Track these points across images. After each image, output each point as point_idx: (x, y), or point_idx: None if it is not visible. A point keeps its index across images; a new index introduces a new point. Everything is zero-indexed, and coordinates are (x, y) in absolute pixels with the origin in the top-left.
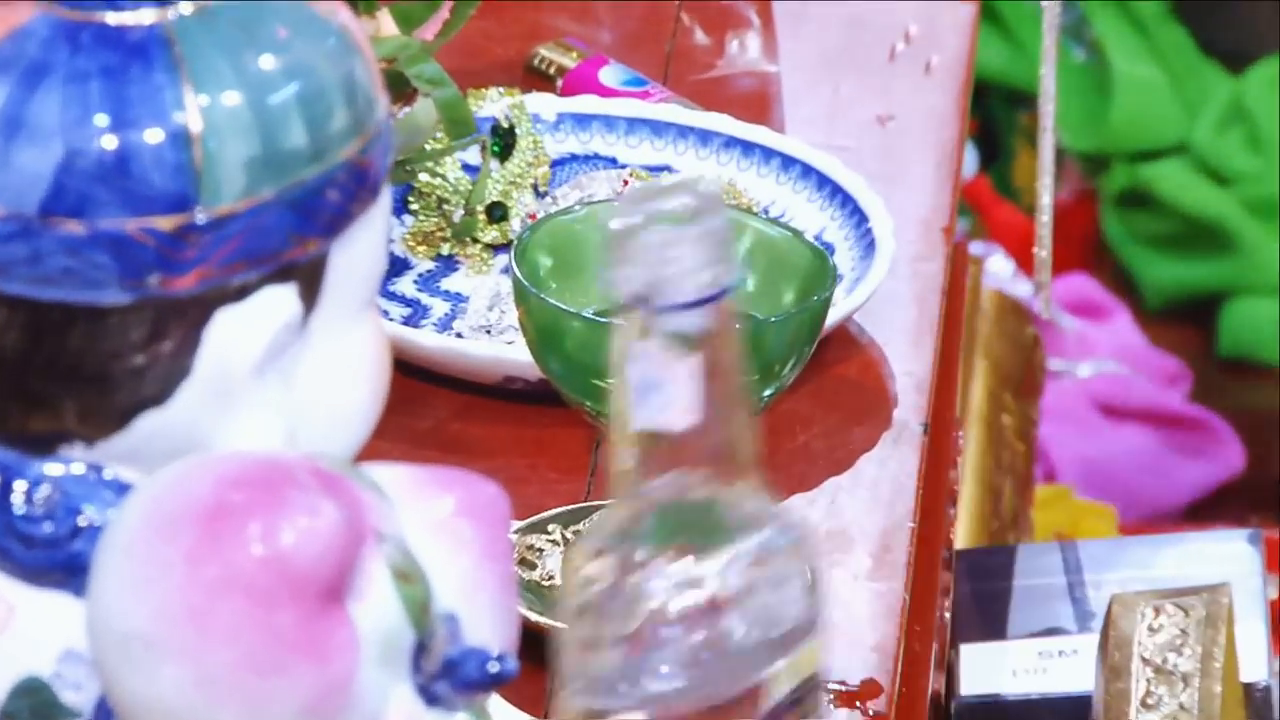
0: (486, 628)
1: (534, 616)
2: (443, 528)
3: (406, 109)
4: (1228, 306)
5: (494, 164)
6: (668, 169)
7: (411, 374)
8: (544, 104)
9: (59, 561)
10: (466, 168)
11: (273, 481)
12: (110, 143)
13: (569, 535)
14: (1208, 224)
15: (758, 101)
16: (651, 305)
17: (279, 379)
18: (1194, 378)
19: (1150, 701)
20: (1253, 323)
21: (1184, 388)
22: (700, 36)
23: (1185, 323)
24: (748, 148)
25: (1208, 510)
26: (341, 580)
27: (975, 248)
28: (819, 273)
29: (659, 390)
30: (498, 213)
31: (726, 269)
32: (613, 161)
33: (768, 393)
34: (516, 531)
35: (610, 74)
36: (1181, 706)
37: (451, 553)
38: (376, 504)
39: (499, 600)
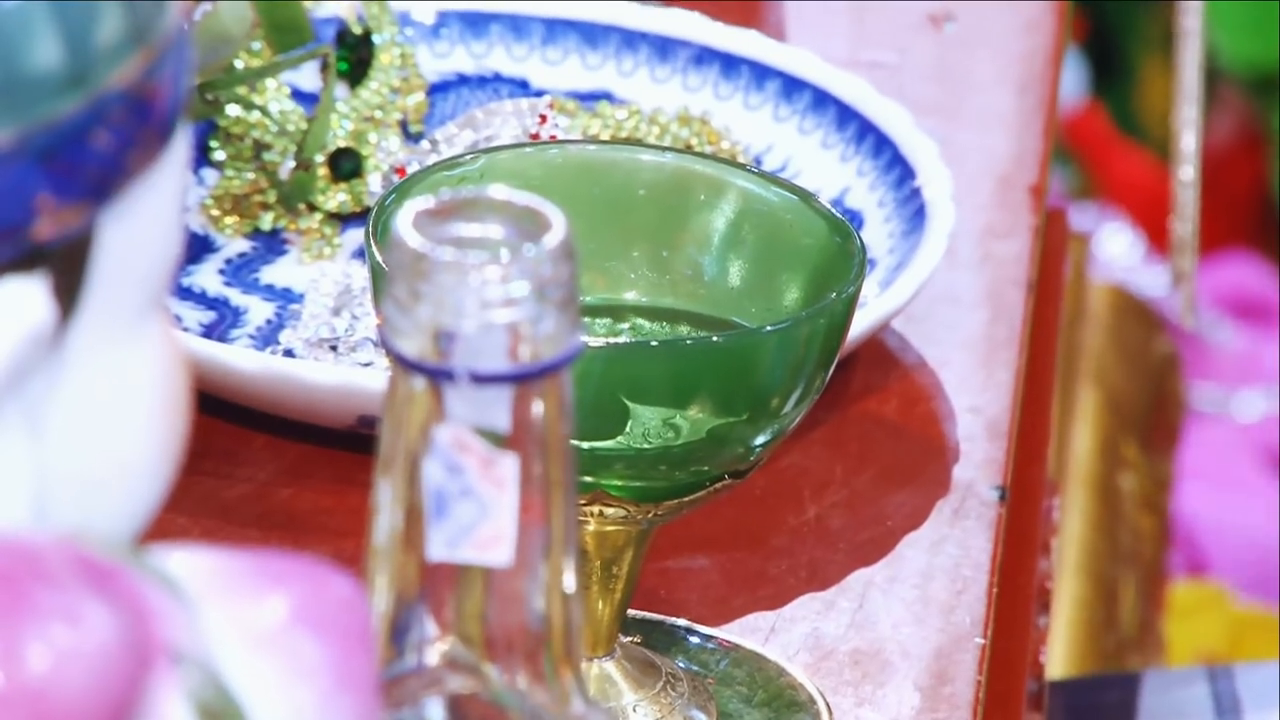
0: None
1: None
2: (272, 643)
3: (206, 6)
4: None
5: (340, 91)
6: (607, 97)
7: (219, 413)
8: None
9: None
10: (299, 96)
11: (12, 576)
12: None
13: None
14: None
15: None
16: (441, 371)
17: (21, 419)
18: None
19: None
20: None
21: None
22: None
23: None
24: (730, 64)
25: None
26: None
27: (1081, 217)
28: (839, 257)
29: (462, 503)
30: (347, 165)
31: (557, 335)
32: (523, 86)
33: (761, 440)
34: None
35: None
36: None
37: (285, 680)
38: (171, 608)
39: None
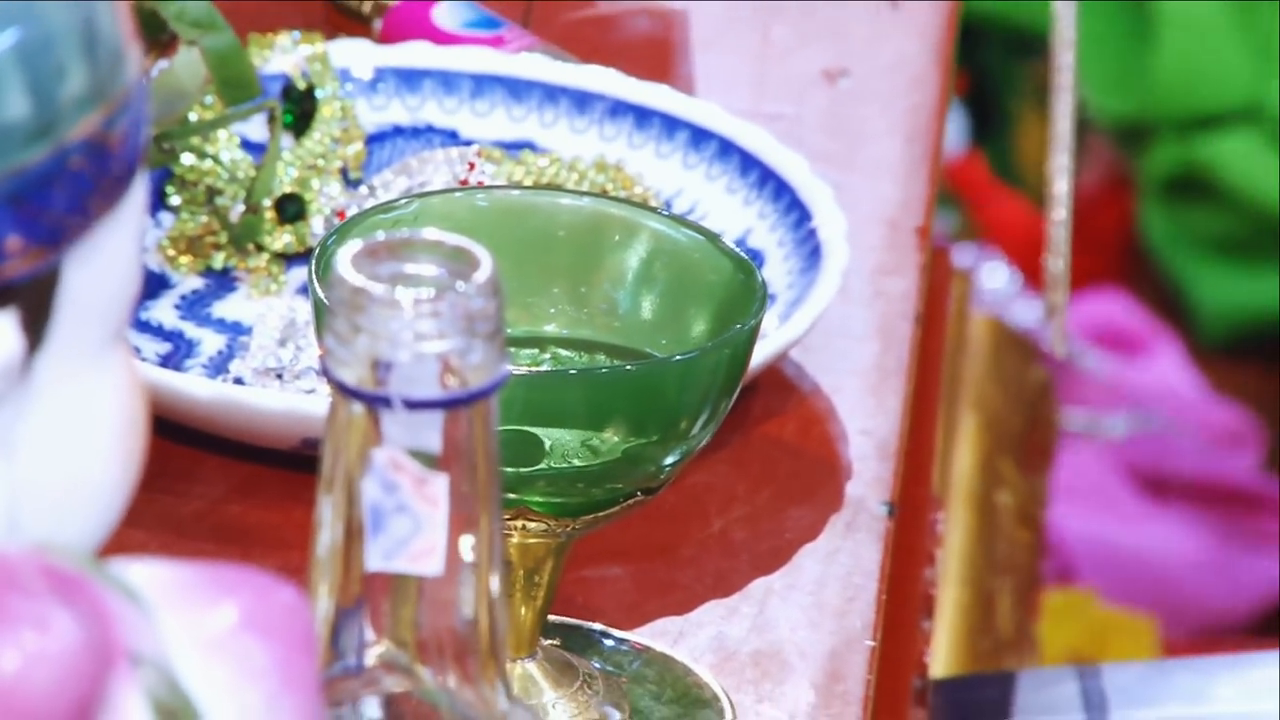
0: None
1: None
2: (223, 647)
3: (164, 63)
4: None
5: (286, 141)
6: (530, 146)
7: (174, 436)
8: (356, 55)
9: None
10: (247, 146)
11: None
12: None
13: None
14: None
15: (656, 50)
16: (378, 398)
17: None
18: (1268, 438)
19: None
20: None
21: (1253, 452)
22: None
23: (1256, 361)
24: (643, 116)
25: None
26: (82, 718)
27: (962, 255)
28: (742, 292)
29: (397, 519)
30: (292, 209)
31: (485, 364)
32: (453, 136)
33: (670, 460)
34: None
35: (449, 12)
36: None
37: (235, 681)
38: (130, 615)
39: None
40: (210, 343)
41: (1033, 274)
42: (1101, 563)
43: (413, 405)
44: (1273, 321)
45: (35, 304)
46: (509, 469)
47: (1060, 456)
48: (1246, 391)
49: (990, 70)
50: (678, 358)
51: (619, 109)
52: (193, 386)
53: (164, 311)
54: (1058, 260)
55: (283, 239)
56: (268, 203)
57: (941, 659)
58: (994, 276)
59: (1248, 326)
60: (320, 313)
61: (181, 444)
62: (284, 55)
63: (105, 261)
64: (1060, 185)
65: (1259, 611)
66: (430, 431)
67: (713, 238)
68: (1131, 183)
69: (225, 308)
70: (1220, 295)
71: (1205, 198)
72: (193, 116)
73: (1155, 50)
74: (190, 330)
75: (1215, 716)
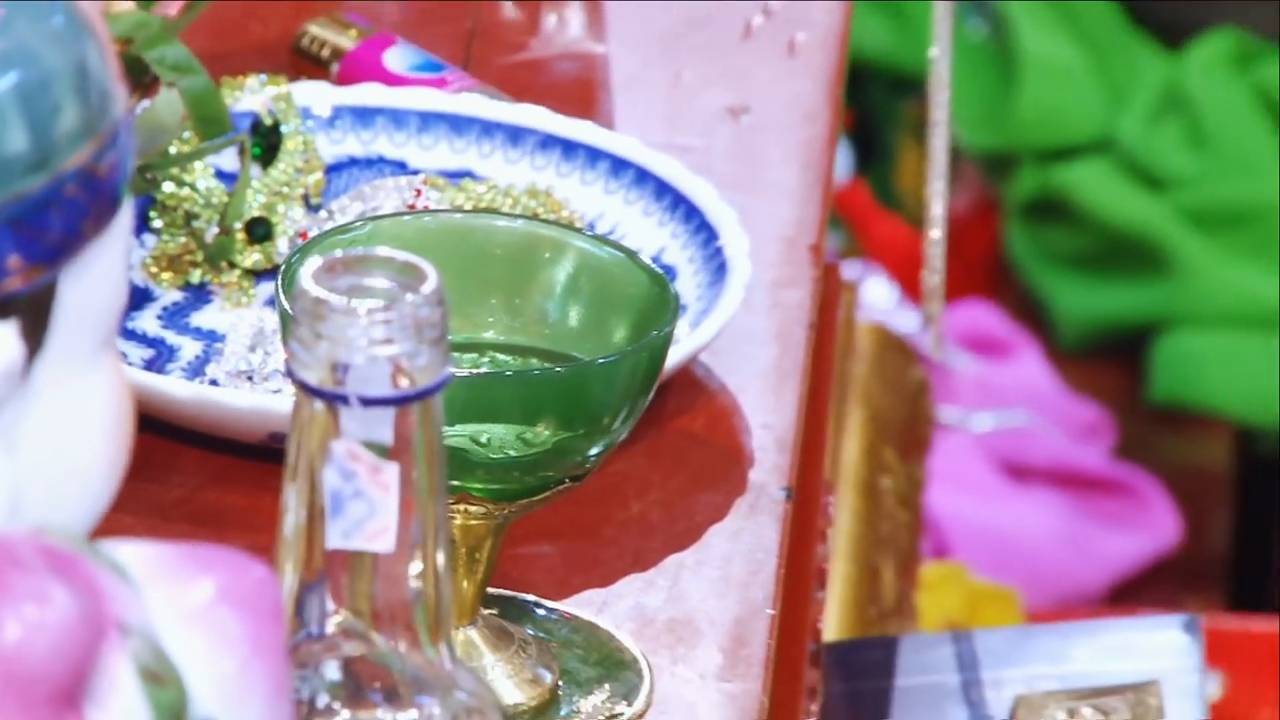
0: None
1: None
2: (201, 618)
3: (146, 102)
4: (1161, 342)
5: (255, 170)
6: (469, 175)
7: (156, 431)
8: (316, 95)
9: None
10: (221, 175)
11: None
12: None
13: None
14: (1136, 239)
15: (581, 90)
16: (337, 396)
17: None
18: (1119, 430)
19: None
20: (1191, 361)
21: (1106, 442)
22: (509, 10)
23: (1108, 362)
24: (569, 148)
25: (1134, 592)
26: (77, 683)
27: (850, 270)
28: (657, 303)
29: (354, 503)
30: (260, 231)
31: (431, 366)
32: (401, 166)
33: (595, 451)
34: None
35: (398, 57)
36: None
37: (212, 648)
38: (119, 589)
39: (269, 705)
40: (189, 349)
41: (910, 287)
42: (972, 540)
43: (367, 402)
44: (1121, 327)
45: (34, 315)
46: (452, 458)
47: (935, 446)
48: (1099, 389)
49: (873, 108)
50: (601, 361)
51: (548, 142)
52: (173, 387)
53: (148, 321)
54: (934, 274)
55: (252, 257)
56: (239, 225)
57: (833, 625)
58: (877, 289)
59: (1099, 332)
60: (286, 321)
61: (163, 438)
62: (252, 95)
63: (96, 277)
64: (936, 208)
65: (1111, 583)
66: (383, 426)
67: (631, 255)
68: (997, 206)
69: (202, 318)
70: (1075, 304)
71: (1062, 219)
72: (172, 149)
73: (1017, 91)
74: (171, 338)
75: (1073, 675)
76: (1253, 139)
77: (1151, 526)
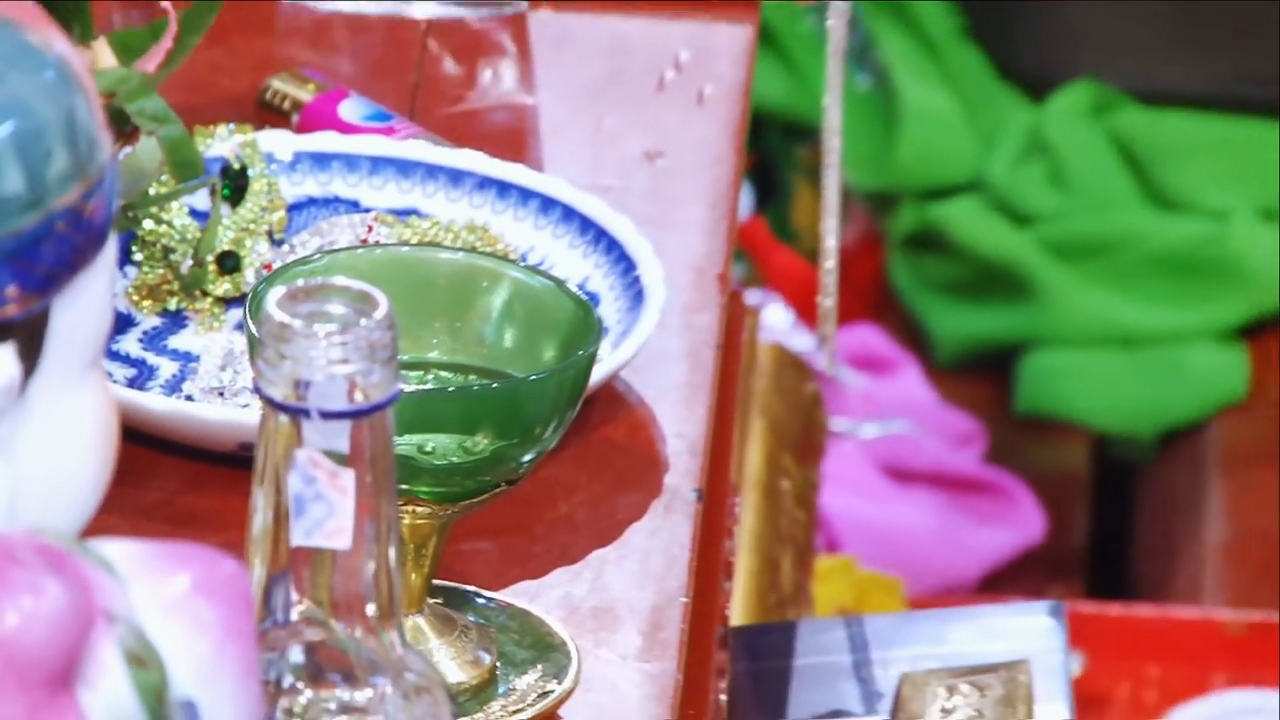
0: (228, 714)
1: None
2: (179, 608)
3: (128, 149)
4: (1026, 359)
5: (224, 209)
6: (415, 212)
7: (138, 441)
8: (279, 142)
9: None
10: (194, 213)
11: None
12: None
13: None
14: (1004, 268)
15: (514, 137)
16: (299, 409)
17: None
18: (989, 437)
19: None
20: (1053, 377)
21: (978, 448)
22: (449, 66)
23: (980, 377)
24: (503, 188)
25: (1004, 581)
26: (69, 666)
27: (751, 296)
28: (582, 326)
29: (315, 504)
30: (230, 263)
31: (382, 383)
32: (355, 205)
33: (528, 458)
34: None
35: (351, 108)
36: None
37: (189, 634)
38: (106, 582)
39: (240, 685)
40: (167, 368)
41: (804, 311)
42: (860, 536)
43: (326, 416)
44: (991, 346)
45: (29, 338)
46: (401, 464)
47: (828, 453)
48: (971, 401)
49: (772, 152)
50: (533, 378)
51: (485, 183)
52: (153, 402)
53: (130, 344)
54: (827, 300)
55: (223, 286)
56: (211, 258)
57: (738, 612)
58: (775, 313)
59: (972, 351)
60: (253, 343)
61: (144, 448)
62: (222, 142)
63: (84, 304)
64: (829, 241)
65: (983, 573)
66: (340, 436)
67: (559, 283)
68: (881, 239)
69: (178, 341)
70: (950, 326)
71: (938, 250)
72: (152, 191)
73: (899, 137)
74: (151, 358)
75: (951, 655)
76: (1107, 179)
77: (1018, 523)
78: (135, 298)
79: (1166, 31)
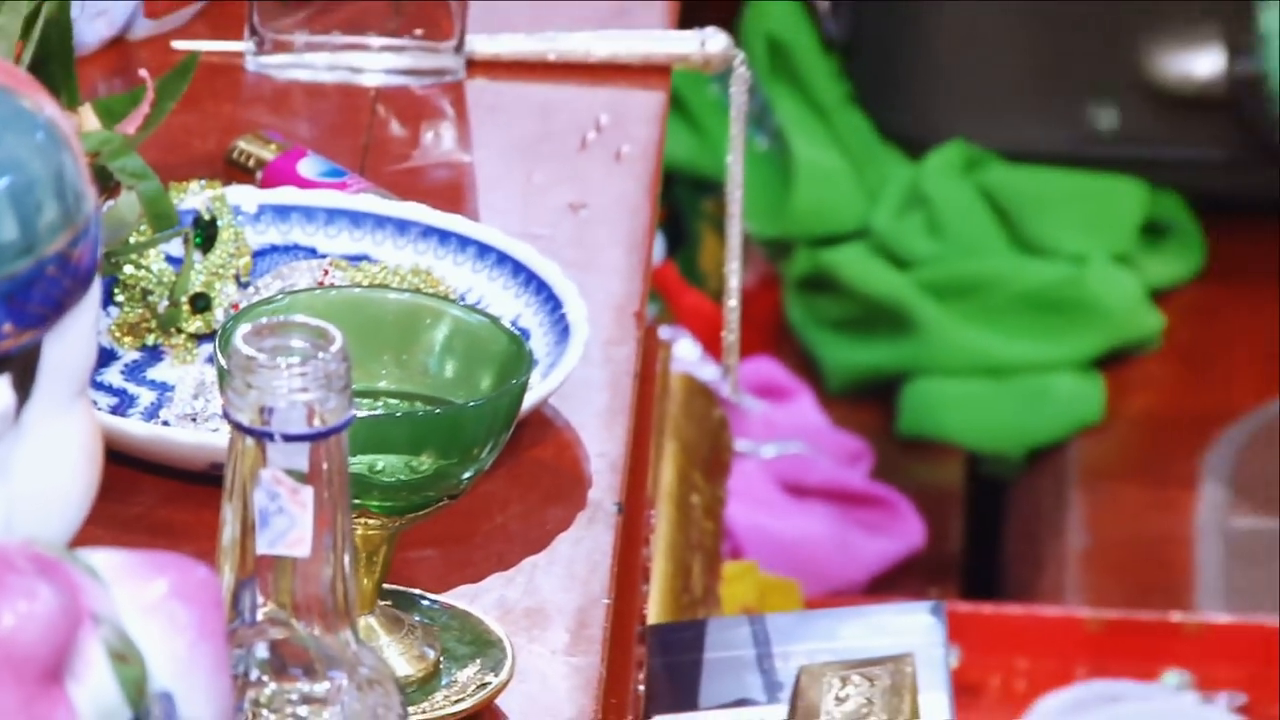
0: (201, 705)
1: None
2: (156, 610)
3: (110, 202)
4: (907, 387)
5: (196, 256)
6: (366, 258)
7: (120, 462)
8: (244, 196)
9: None
10: (170, 259)
11: None
12: None
13: None
14: (887, 307)
15: (453, 191)
16: (263, 433)
17: None
18: (875, 456)
19: None
20: (931, 402)
21: (865, 466)
22: (396, 128)
23: (866, 403)
24: (444, 236)
25: (889, 583)
26: (60, 661)
27: (664, 332)
28: (515, 358)
29: (278, 517)
30: (201, 303)
31: (338, 409)
32: (312, 252)
33: (467, 475)
34: None
35: (308, 166)
36: None
37: (165, 633)
38: (92, 587)
39: (212, 678)
40: (145, 397)
41: (710, 345)
42: (761, 544)
43: (288, 438)
44: (876, 376)
45: (23, 370)
46: (354, 481)
47: (732, 470)
48: (859, 424)
49: (681, 204)
50: (471, 404)
51: (428, 232)
52: (133, 427)
53: (113, 375)
54: (730, 334)
55: (195, 324)
56: (184, 299)
57: (654, 611)
58: (685, 347)
59: (859, 380)
60: (222, 374)
61: (126, 467)
62: (194, 196)
63: (72, 339)
64: (733, 283)
65: (870, 577)
66: (300, 457)
67: (494, 320)
68: (778, 281)
69: (156, 372)
70: (839, 358)
71: (829, 291)
72: (132, 240)
73: (793, 191)
74: (131, 388)
75: (844, 649)
76: (977, 228)
77: (901, 532)
78: (117, 334)
79: (1027, 98)
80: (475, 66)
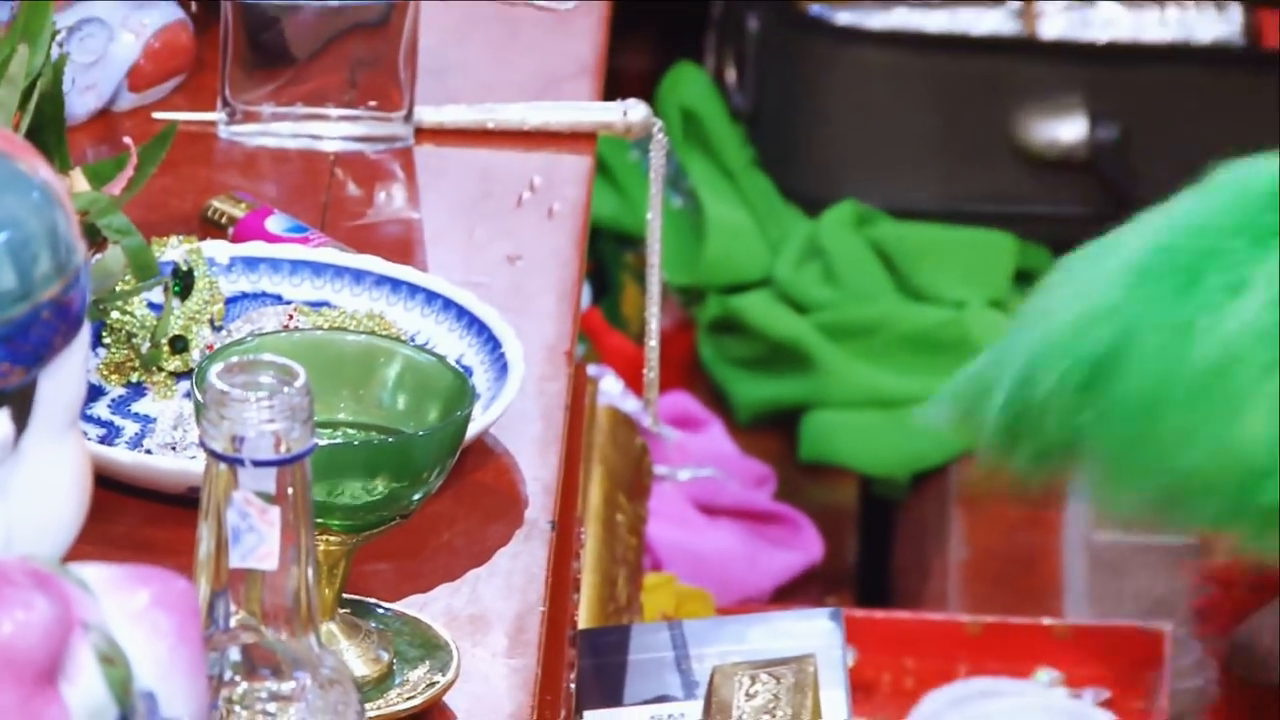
0: (180, 703)
1: None
2: (140, 618)
3: (99, 256)
4: (806, 418)
5: (175, 303)
6: (327, 304)
7: (107, 486)
8: (218, 249)
9: None
10: (152, 306)
11: None
12: None
13: None
14: (788, 347)
15: (403, 244)
16: (235, 459)
17: None
18: (778, 479)
19: None
20: (828, 432)
21: (770, 488)
22: (352, 188)
23: (770, 432)
24: (395, 284)
25: (792, 592)
26: (54, 664)
27: (591, 370)
28: (459, 393)
29: (248, 535)
30: (179, 345)
31: (301, 438)
32: (279, 298)
33: (417, 497)
34: None
35: (275, 222)
36: None
37: (148, 639)
38: (82, 598)
39: (190, 679)
40: (130, 428)
41: (632, 382)
42: (678, 558)
43: (257, 464)
44: (779, 409)
45: (21, 404)
46: (317, 502)
47: (653, 492)
48: (764, 452)
49: (605, 257)
50: (421, 434)
51: (381, 280)
52: (119, 455)
53: (101, 409)
54: (651, 372)
55: (174, 363)
56: (165, 341)
57: (584, 618)
58: (610, 383)
59: (764, 412)
60: (198, 408)
61: (112, 491)
62: (173, 250)
63: (64, 377)
64: (652, 325)
65: (775, 586)
66: (268, 480)
67: (440, 359)
68: (692, 324)
69: (139, 406)
70: (746, 393)
71: (737, 333)
72: (118, 288)
73: (705, 245)
74: (118, 420)
75: (753, 651)
76: (868, 277)
77: (803, 547)
78: (105, 372)
79: (911, 162)
80: (423, 134)
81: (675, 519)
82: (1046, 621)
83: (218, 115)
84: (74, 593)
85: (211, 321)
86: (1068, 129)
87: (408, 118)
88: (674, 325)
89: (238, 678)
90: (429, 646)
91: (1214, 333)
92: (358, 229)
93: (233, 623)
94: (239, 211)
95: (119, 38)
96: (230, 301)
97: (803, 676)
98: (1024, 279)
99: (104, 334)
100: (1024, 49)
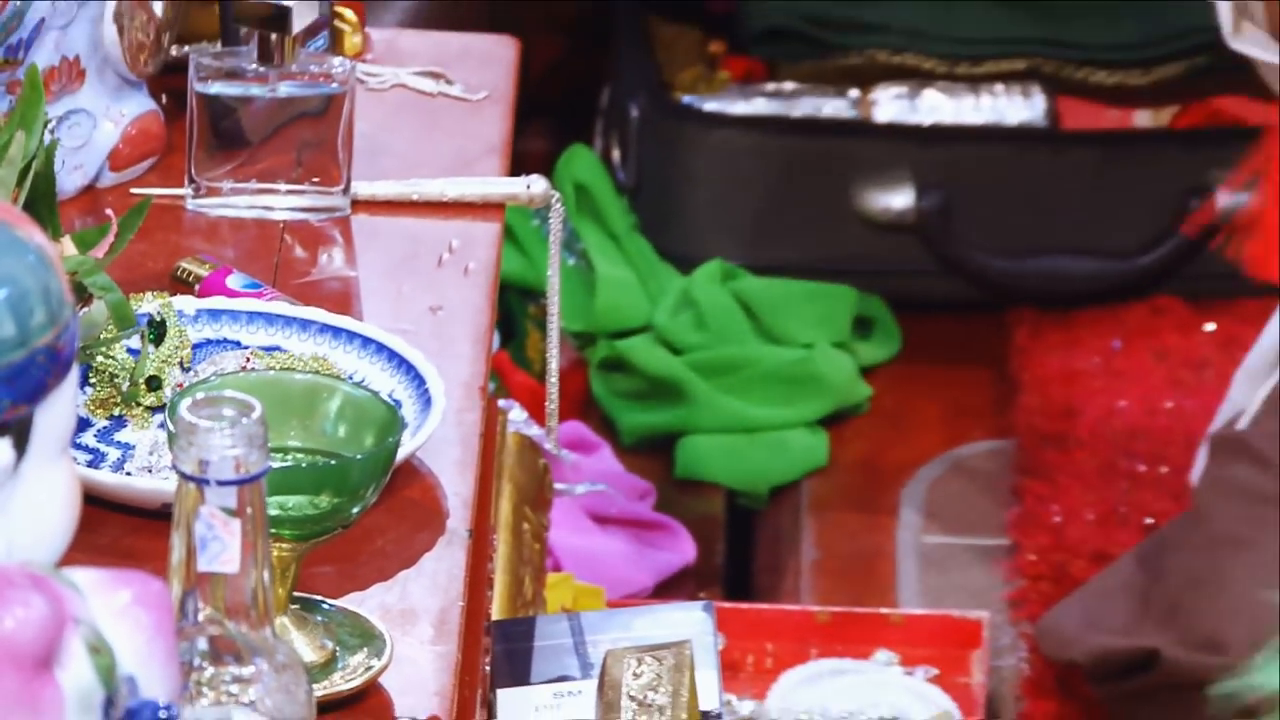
0: (157, 685)
1: None
2: (123, 614)
3: (86, 309)
4: (681, 442)
5: (150, 348)
6: (278, 348)
7: (94, 503)
8: (186, 303)
9: None
10: (130, 351)
11: None
12: None
13: None
14: (666, 382)
15: (343, 298)
16: (202, 480)
17: None
18: (658, 494)
19: None
20: (699, 453)
21: (651, 501)
22: (299, 251)
23: (651, 454)
24: (336, 332)
25: (670, 588)
26: (50, 654)
27: (501, 403)
28: (391, 422)
29: (213, 543)
30: (154, 384)
31: (258, 461)
32: (238, 344)
33: (355, 510)
34: None
35: (234, 280)
36: None
37: (130, 632)
38: (73, 597)
39: (165, 665)
40: (113, 454)
41: (536, 412)
42: (575, 560)
43: (221, 484)
44: (658, 434)
45: (19, 434)
46: (271, 515)
47: (553, 504)
48: (646, 471)
49: (511, 307)
50: (359, 457)
51: (324, 329)
52: (104, 477)
53: (88, 438)
54: (551, 404)
55: (150, 399)
56: (142, 381)
57: (497, 610)
58: (517, 414)
59: (646, 438)
60: (171, 436)
61: (98, 507)
62: (149, 304)
63: (57, 410)
64: (552, 365)
65: (656, 583)
66: (230, 497)
67: (374, 394)
68: (585, 365)
69: (121, 435)
70: (631, 421)
71: (624, 372)
72: (101, 337)
73: (595, 297)
74: (102, 447)
75: (638, 638)
76: (733, 323)
77: (679, 550)
78: (91, 407)
79: (767, 227)
80: (358, 205)
81: (572, 527)
82: (884, 611)
83: (185, 190)
84: (66, 593)
85: (181, 364)
86: (898, 198)
87: (345, 191)
88: (570, 365)
89: (205, 664)
90: (366, 636)
91: None
92: (304, 285)
93: (201, 618)
94: (204, 271)
95: (101, 126)
96: (197, 347)
97: (681, 659)
98: (862, 324)
99: (90, 375)
100: (861, 131)
